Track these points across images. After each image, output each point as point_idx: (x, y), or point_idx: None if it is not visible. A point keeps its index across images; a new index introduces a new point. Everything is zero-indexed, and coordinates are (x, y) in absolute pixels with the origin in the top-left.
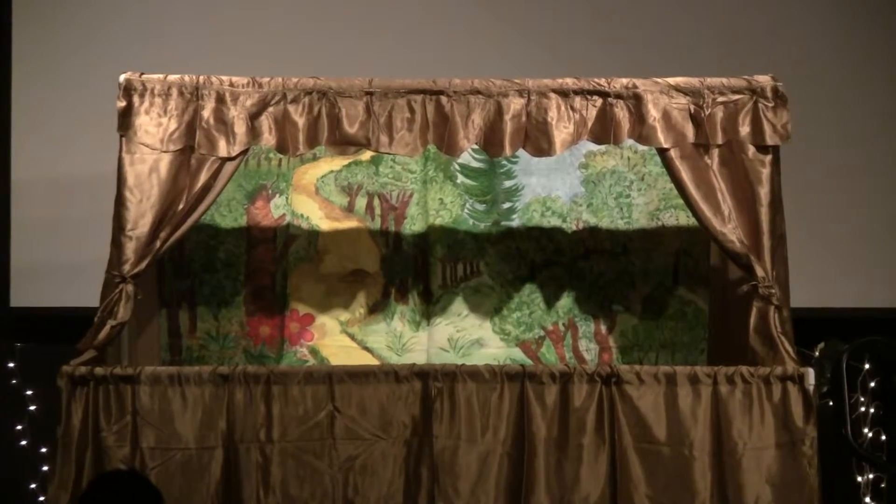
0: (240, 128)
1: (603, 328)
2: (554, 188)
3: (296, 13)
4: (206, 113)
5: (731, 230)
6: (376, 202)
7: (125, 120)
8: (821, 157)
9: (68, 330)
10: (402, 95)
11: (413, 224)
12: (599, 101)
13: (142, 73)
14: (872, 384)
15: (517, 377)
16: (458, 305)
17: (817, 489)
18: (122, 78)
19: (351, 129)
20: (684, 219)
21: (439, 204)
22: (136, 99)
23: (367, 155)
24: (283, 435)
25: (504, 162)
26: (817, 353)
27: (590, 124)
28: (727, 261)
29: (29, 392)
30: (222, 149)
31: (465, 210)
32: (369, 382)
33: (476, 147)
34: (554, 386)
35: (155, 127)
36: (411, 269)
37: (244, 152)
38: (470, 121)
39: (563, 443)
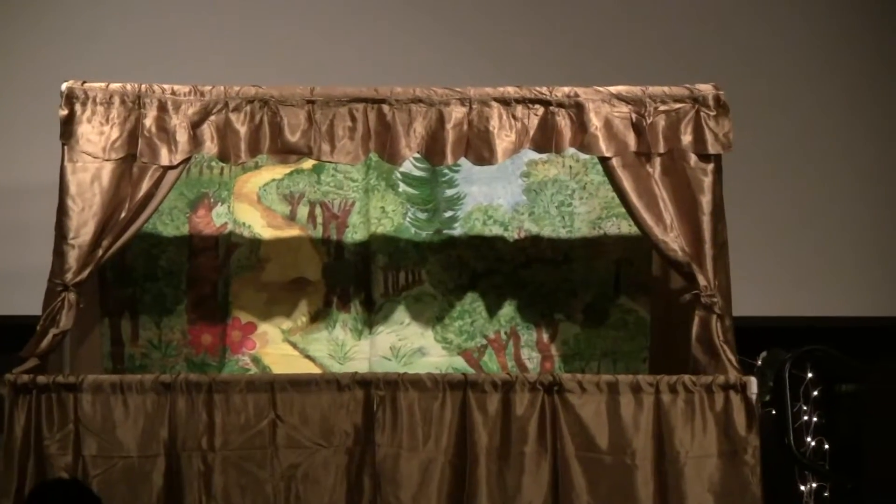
0: (182, 136)
1: (545, 337)
2: (496, 197)
3: (237, 21)
4: (148, 121)
5: (672, 239)
6: (318, 210)
7: (67, 128)
8: (762, 164)
9: (10, 338)
10: (343, 104)
11: (355, 232)
12: (541, 110)
13: (84, 82)
14: (815, 393)
15: (459, 386)
16: (400, 314)
17: (760, 498)
18: (63, 86)
19: (293, 137)
20: (626, 227)
21: (381, 212)
22: (78, 107)
23: (308, 163)
24: (224, 443)
25: (446, 170)
26: (759, 362)
27: (531, 133)
28: (669, 269)
29: None
30: (164, 157)
31: (407, 219)
32: (311, 391)
33: (418, 155)
34: (496, 394)
35: (97, 135)
36: (353, 277)
37: (186, 161)
38: (412, 129)
39: (505, 451)
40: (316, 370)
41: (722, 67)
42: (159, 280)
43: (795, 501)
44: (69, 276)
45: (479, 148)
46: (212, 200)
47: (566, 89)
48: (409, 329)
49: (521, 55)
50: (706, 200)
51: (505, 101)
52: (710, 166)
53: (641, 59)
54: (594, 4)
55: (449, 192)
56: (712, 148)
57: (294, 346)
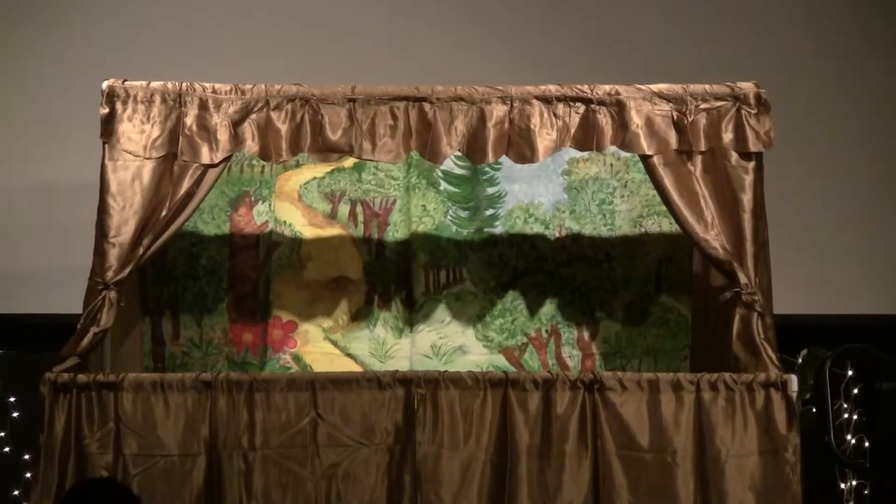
0: (223, 135)
1: (585, 335)
2: (537, 195)
3: (278, 19)
4: (189, 120)
5: (714, 237)
6: (359, 209)
7: (108, 127)
8: (803, 162)
9: (51, 337)
10: (384, 102)
11: (396, 231)
12: (582, 108)
13: (124, 80)
14: (855, 391)
15: (500, 384)
16: (441, 312)
17: (800, 496)
18: (104, 85)
19: (334, 135)
20: (667, 226)
21: (422, 211)
22: (118, 106)
23: (349, 162)
24: (265, 442)
25: (487, 169)
26: (800, 360)
27: (572, 131)
28: (710, 268)
29: (11, 399)
30: (205, 156)
31: (448, 217)
32: (352, 389)
33: (459, 154)
34: (537, 393)
35: (138, 134)
36: (394, 276)
37: (227, 159)
38: (453, 127)
39: (546, 450)
40: (357, 369)
41: (757, 67)
42: (200, 279)
43: (836, 500)
44: (110, 274)
45: (520, 146)
46: (252, 199)
47: (607, 87)
48: (449, 327)
49: (562, 53)
50: (747, 199)
51: (546, 100)
52: (752, 164)
53: (682, 57)
54: (635, 1)
55: (490, 191)
56: (753, 146)
57: (335, 344)
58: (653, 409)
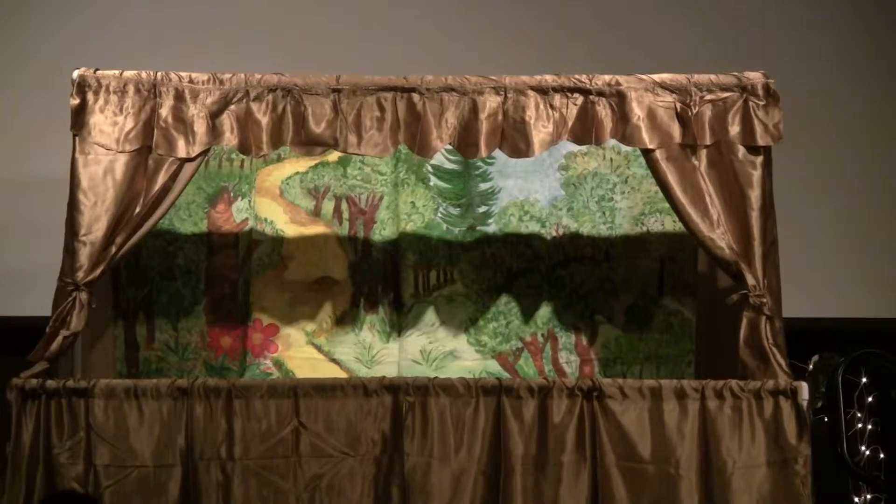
0: (200, 127)
1: (584, 340)
2: (532, 191)
3: (259, 4)
4: (165, 111)
5: (719, 236)
6: (344, 206)
7: (79, 118)
8: (814, 159)
9: (18, 341)
10: (371, 93)
11: (383, 229)
12: (580, 99)
13: (96, 69)
14: (870, 399)
15: (493, 391)
16: (431, 315)
17: None
18: (75, 74)
19: (317, 128)
20: (670, 224)
21: (411, 208)
22: (90, 96)
23: (334, 156)
24: (245, 452)
25: (479, 163)
26: (811, 367)
27: (570, 123)
28: (716, 268)
29: None
30: (181, 149)
31: (439, 214)
32: (336, 396)
33: (450, 147)
34: (532, 400)
35: (110, 126)
36: (381, 276)
37: (204, 153)
38: (443, 120)
39: (542, 461)
40: (342, 374)
41: (765, 57)
42: (176, 279)
43: None
44: (80, 274)
45: (514, 139)
46: (232, 195)
47: (607, 77)
48: (440, 331)
49: (560, 41)
50: (755, 195)
51: (542, 90)
52: (760, 159)
53: (686, 45)
54: None
55: (483, 187)
56: (762, 139)
57: (318, 349)
58: (655, 419)
